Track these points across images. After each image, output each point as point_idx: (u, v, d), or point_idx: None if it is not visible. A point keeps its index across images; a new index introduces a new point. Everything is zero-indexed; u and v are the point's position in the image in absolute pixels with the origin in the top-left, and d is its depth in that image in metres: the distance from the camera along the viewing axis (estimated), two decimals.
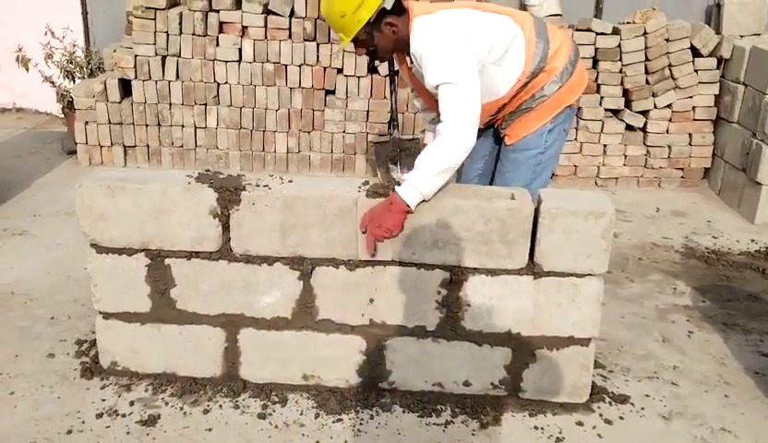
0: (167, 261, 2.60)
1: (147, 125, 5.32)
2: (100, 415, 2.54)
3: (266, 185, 2.55)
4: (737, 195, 4.90)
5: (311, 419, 2.57)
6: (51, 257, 3.84)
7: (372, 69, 5.17)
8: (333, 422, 2.56)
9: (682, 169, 5.32)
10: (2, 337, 3.04)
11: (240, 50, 5.14)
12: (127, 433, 2.46)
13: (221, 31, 5.13)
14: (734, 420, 2.65)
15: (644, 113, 5.20)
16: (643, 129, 5.25)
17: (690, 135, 5.24)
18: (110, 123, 5.32)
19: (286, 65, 5.17)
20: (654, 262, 4.05)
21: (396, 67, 5.12)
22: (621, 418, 2.64)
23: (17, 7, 6.61)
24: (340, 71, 5.20)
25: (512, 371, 2.66)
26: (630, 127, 5.24)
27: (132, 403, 2.62)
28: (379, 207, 2.45)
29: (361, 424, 2.56)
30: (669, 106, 5.16)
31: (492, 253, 2.50)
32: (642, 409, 2.70)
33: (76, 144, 5.46)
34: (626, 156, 5.29)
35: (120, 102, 5.28)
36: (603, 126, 5.19)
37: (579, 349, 2.62)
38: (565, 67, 2.86)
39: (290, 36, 5.12)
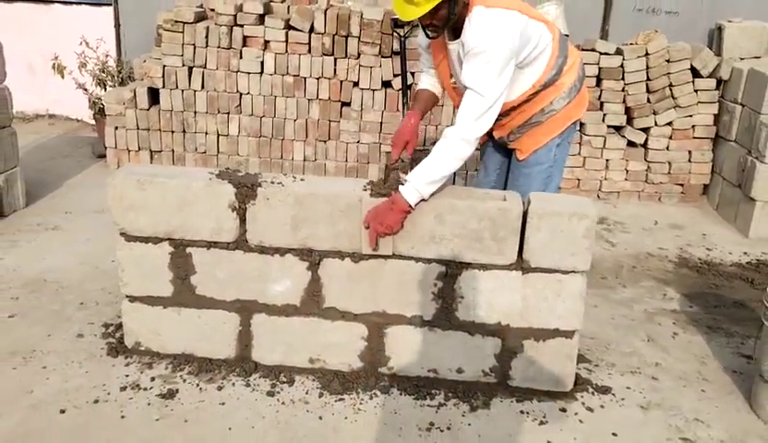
0: (189, 250, 2.86)
1: (172, 132, 5.63)
2: (123, 388, 2.80)
3: (279, 183, 2.81)
4: (733, 210, 5.09)
5: (315, 398, 2.81)
6: (81, 250, 4.13)
7: (386, 83, 5.44)
8: (336, 401, 2.80)
9: (682, 185, 5.52)
10: (36, 318, 3.31)
11: (262, 62, 5.44)
12: (148, 404, 2.72)
13: (244, 45, 5.44)
14: (708, 411, 2.85)
15: (645, 130, 5.42)
16: (644, 145, 5.47)
17: (689, 152, 5.45)
18: (138, 128, 5.63)
19: (305, 78, 5.46)
20: (648, 270, 4.25)
21: (409, 82, 5.42)
22: (602, 406, 2.85)
23: (53, 18, 7.01)
24: (356, 84, 5.47)
25: (502, 360, 2.88)
26: (631, 143, 5.46)
27: (153, 379, 2.87)
28: (382, 205, 2.67)
29: (361, 403, 2.79)
30: (670, 124, 5.38)
31: (484, 249, 2.73)
32: (623, 399, 2.91)
33: (105, 148, 5.78)
34: (627, 171, 5.50)
35: (148, 110, 5.59)
36: (605, 142, 5.42)
37: (564, 341, 2.83)
38: (574, 84, 3.00)
39: (309, 50, 5.41)
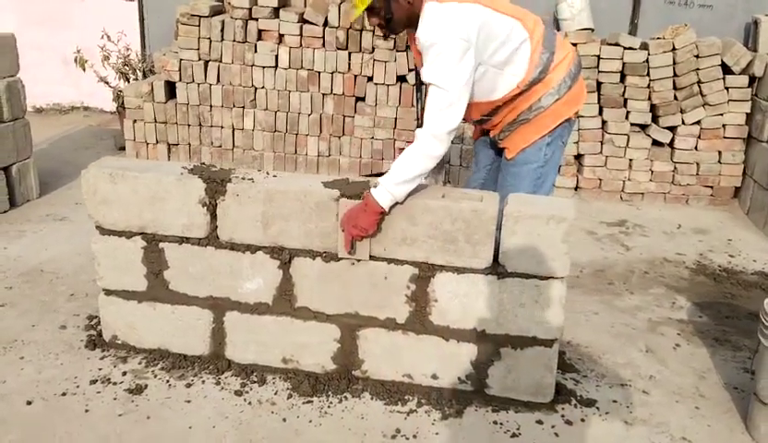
0: (161, 245, 2.83)
1: (189, 125, 5.66)
2: (94, 382, 2.79)
3: (250, 179, 2.74)
4: (764, 215, 4.81)
5: (283, 399, 2.74)
6: (83, 241, 4.13)
7: (400, 78, 5.34)
8: (303, 403, 2.73)
9: (711, 187, 5.25)
10: (25, 308, 3.35)
11: (276, 57, 5.41)
12: (114, 399, 2.70)
13: (259, 39, 5.42)
14: (698, 430, 2.67)
15: (672, 128, 5.17)
16: (671, 145, 5.21)
17: (719, 152, 5.18)
18: (155, 122, 5.68)
19: (319, 73, 5.40)
20: (661, 277, 4.04)
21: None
22: (583, 420, 2.70)
23: (87, 12, 7.15)
24: (370, 79, 5.39)
25: (478, 367, 2.76)
26: (656, 143, 5.22)
27: (125, 374, 2.86)
28: (356, 207, 2.58)
29: (329, 406, 2.71)
30: (698, 123, 5.11)
31: (459, 252, 2.61)
32: (607, 413, 2.75)
33: (125, 140, 5.85)
34: (652, 171, 5.26)
35: (165, 103, 5.63)
36: (628, 141, 5.19)
37: (542, 350, 2.69)
38: (563, 80, 2.85)
39: (323, 44, 5.35)
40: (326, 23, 5.31)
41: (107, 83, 6.08)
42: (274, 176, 2.80)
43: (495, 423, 2.66)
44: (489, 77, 2.76)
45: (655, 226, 4.87)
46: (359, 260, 2.69)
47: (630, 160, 5.24)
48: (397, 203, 2.57)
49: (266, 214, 2.70)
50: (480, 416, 2.69)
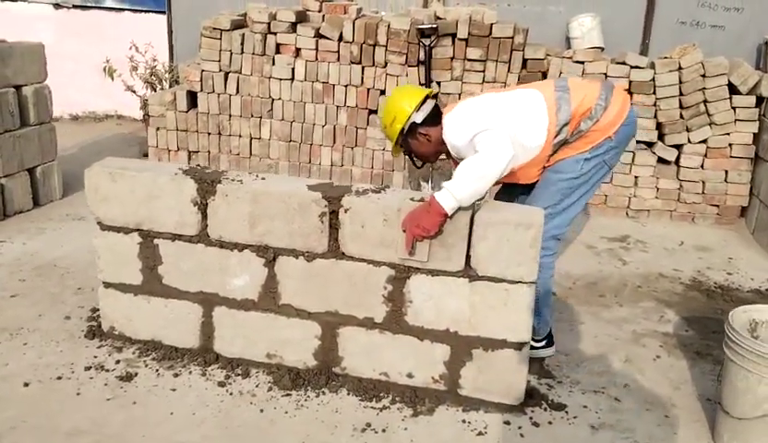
0: (156, 241, 3.00)
1: (209, 134, 5.87)
2: (88, 368, 2.97)
3: (239, 180, 2.91)
4: None
5: (264, 392, 2.88)
6: None
7: None
8: (282, 396, 2.86)
9: (717, 206, 5.25)
10: (35, 299, 3.56)
11: (293, 69, 5.60)
12: (105, 384, 2.87)
13: (277, 52, 5.62)
14: (663, 437, 2.72)
15: (678, 147, 5.20)
16: (677, 163, 5.24)
17: (725, 172, 5.18)
18: (177, 129, 5.91)
19: (334, 85, 5.58)
20: (653, 291, 4.08)
21: (434, 92, 5.42)
22: (550, 423, 2.77)
23: (122, 25, 7.48)
24: (383, 92, 5.54)
25: (451, 368, 2.85)
26: (662, 160, 5.24)
27: (118, 362, 3.03)
28: (419, 209, 2.65)
29: (306, 400, 2.84)
30: (705, 141, 5.13)
31: (433, 255, 2.73)
32: (575, 418, 2.81)
33: (149, 147, 6.10)
34: (658, 188, 5.29)
35: (187, 112, 5.86)
36: (634, 158, 5.23)
37: (512, 352, 2.78)
38: (596, 107, 2.92)
39: (338, 58, 5.52)
40: (341, 38, 5.48)
41: (134, 92, 6.35)
42: (263, 179, 2.95)
43: (463, 421, 2.75)
44: (519, 144, 2.87)
45: (657, 242, 4.90)
46: (336, 258, 2.81)
47: (636, 177, 5.28)
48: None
49: (252, 214, 2.86)
50: (450, 415, 2.79)
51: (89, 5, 7.73)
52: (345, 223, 2.78)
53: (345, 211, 2.76)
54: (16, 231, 4.48)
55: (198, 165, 3.09)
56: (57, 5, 7.78)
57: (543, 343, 3.20)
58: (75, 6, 7.72)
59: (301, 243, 2.85)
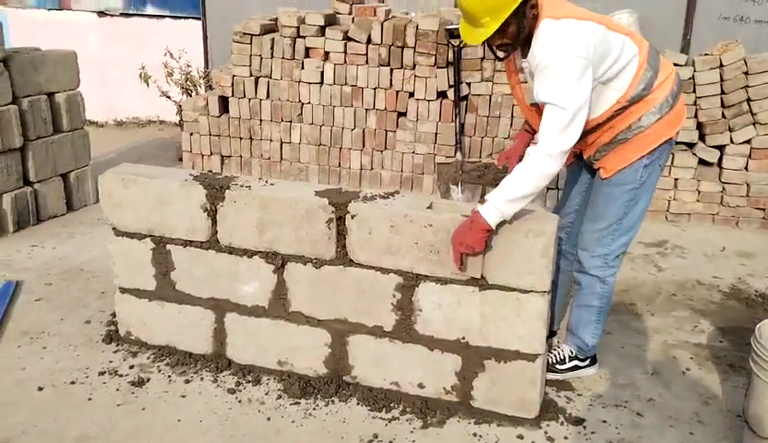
0: (168, 247, 3.01)
1: (240, 138, 5.91)
2: (102, 373, 2.99)
3: (248, 186, 2.88)
4: None
5: (272, 399, 2.85)
6: None
7: (441, 94, 5.40)
8: (291, 404, 2.82)
9: (763, 209, 4.99)
10: (59, 303, 3.62)
11: (322, 73, 5.59)
12: (117, 389, 2.88)
13: (306, 56, 5.61)
14: None
15: (720, 148, 4.97)
16: (719, 165, 5.01)
17: None
18: (210, 134, 5.97)
19: (363, 88, 5.54)
20: (689, 299, 3.90)
21: (463, 93, 5.33)
22: (566, 438, 2.66)
23: (163, 31, 7.60)
24: (411, 95, 5.47)
25: (463, 378, 2.77)
26: (703, 162, 5.02)
27: (132, 367, 3.04)
28: (463, 225, 2.53)
29: (314, 409, 2.79)
30: (748, 142, 4.89)
31: (441, 262, 2.65)
32: (593, 433, 2.69)
33: (183, 152, 6.17)
34: (699, 191, 5.06)
35: (219, 117, 5.91)
36: (673, 159, 5.02)
37: (525, 364, 2.67)
38: (665, 100, 2.72)
39: (367, 61, 5.48)
40: (369, 40, 5.44)
41: (168, 97, 6.43)
42: (271, 185, 2.92)
43: (474, 435, 2.66)
44: (593, 94, 2.60)
45: (697, 248, 4.68)
46: (344, 265, 2.76)
47: (676, 179, 5.07)
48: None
49: (261, 220, 2.83)
50: (461, 427, 2.70)
51: (131, 12, 7.89)
52: (353, 230, 2.72)
53: (352, 217, 2.71)
54: (48, 235, 4.57)
55: (210, 171, 3.08)
56: (101, 14, 7.96)
57: (588, 362, 3.09)
58: (118, 15, 7.89)
59: (309, 249, 2.81)
